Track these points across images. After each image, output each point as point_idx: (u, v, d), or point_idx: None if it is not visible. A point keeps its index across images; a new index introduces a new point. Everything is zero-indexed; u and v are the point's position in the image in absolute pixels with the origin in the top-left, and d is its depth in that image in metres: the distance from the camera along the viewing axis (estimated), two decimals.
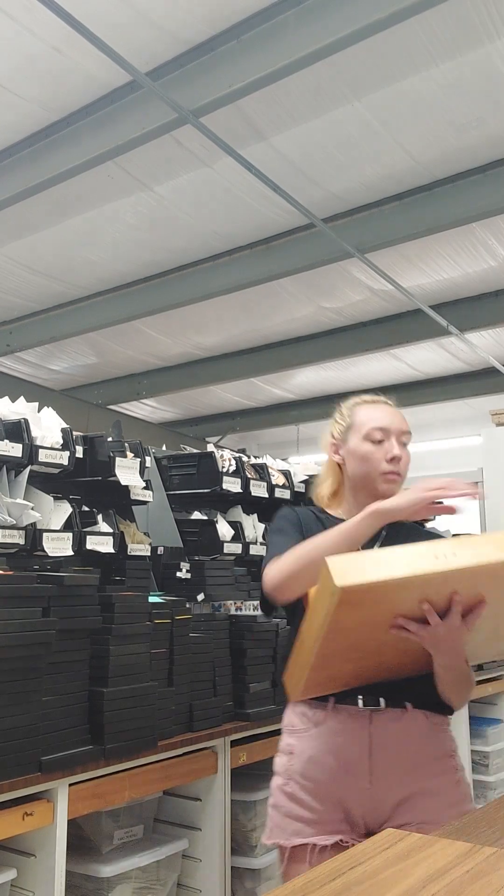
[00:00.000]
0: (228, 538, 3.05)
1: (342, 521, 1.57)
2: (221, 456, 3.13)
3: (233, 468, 3.12)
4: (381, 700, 1.53)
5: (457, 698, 1.55)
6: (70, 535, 2.38)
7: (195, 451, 3.31)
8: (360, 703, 1.53)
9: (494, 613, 1.33)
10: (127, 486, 2.63)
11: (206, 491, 3.10)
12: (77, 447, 2.50)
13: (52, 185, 3.94)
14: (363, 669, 1.46)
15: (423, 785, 1.51)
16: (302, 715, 1.59)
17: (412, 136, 3.83)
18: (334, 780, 1.51)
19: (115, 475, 2.56)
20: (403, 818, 1.48)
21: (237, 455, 3.23)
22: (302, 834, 1.52)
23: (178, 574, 2.87)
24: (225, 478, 3.05)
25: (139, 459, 2.65)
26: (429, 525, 4.95)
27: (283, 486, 3.33)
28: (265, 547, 1.67)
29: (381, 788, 1.50)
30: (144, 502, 2.77)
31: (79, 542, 2.41)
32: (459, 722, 3.72)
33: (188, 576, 2.88)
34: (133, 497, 2.71)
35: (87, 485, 2.67)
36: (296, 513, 1.71)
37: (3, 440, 2.25)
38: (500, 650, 1.77)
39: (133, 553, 2.64)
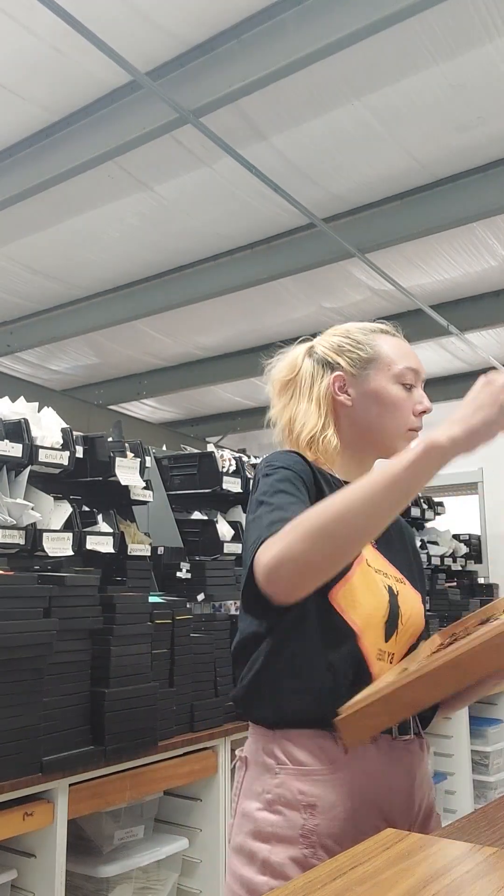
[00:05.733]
0: (228, 538, 3.05)
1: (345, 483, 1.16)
2: (222, 456, 3.13)
3: (233, 468, 3.12)
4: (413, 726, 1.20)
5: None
6: (70, 535, 2.38)
7: (195, 451, 3.31)
8: (396, 732, 1.16)
9: None
10: (127, 486, 2.63)
11: (206, 491, 3.10)
12: (77, 447, 2.50)
13: (52, 185, 3.93)
14: None
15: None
16: (319, 750, 1.11)
17: (412, 136, 3.83)
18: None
19: (115, 475, 2.56)
20: None
21: (237, 455, 3.23)
22: None
23: (179, 574, 2.87)
24: (225, 478, 3.05)
25: (139, 459, 2.65)
26: (429, 525, 4.94)
27: None
28: (255, 514, 1.11)
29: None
30: (144, 502, 2.77)
31: (79, 543, 2.41)
32: (459, 722, 3.72)
33: (188, 576, 2.88)
34: (133, 497, 2.71)
35: (87, 485, 2.67)
36: (307, 465, 1.19)
37: (3, 440, 2.25)
38: None
39: (133, 553, 2.64)
